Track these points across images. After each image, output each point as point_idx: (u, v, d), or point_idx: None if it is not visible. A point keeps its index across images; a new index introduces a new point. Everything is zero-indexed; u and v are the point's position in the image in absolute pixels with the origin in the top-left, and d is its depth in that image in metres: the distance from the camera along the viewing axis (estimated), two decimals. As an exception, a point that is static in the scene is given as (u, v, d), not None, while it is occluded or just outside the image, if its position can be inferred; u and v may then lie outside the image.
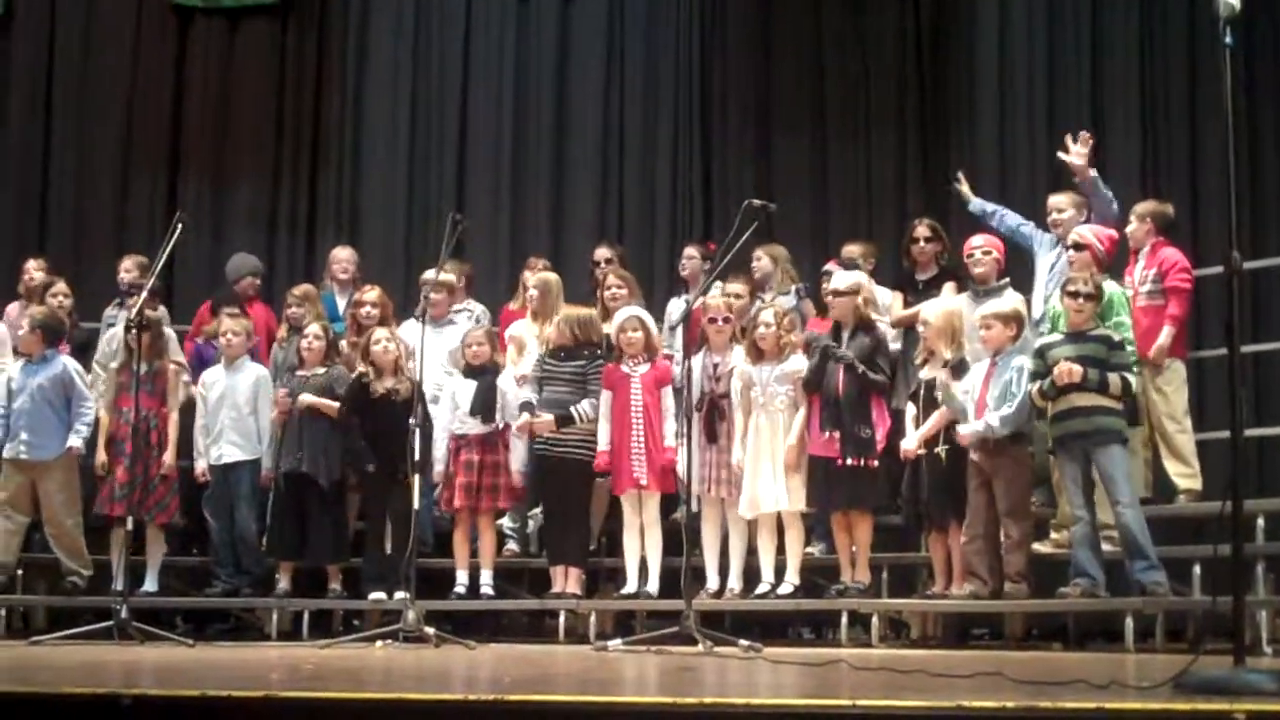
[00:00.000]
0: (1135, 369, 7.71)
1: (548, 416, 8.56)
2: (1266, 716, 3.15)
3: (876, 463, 8.02)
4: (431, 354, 8.91)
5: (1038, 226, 8.66)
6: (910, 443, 7.99)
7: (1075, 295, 7.54)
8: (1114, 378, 7.40)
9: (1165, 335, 8.02)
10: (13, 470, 9.02)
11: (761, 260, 9.25)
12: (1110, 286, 7.90)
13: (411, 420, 7.76)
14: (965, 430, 7.66)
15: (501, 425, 8.85)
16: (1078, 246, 8.04)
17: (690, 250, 9.81)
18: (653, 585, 8.51)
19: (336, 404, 8.94)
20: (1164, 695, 3.72)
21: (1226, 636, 4.22)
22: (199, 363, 9.72)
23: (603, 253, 10.02)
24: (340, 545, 9.12)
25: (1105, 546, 7.60)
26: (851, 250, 9.13)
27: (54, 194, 12.05)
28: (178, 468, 9.16)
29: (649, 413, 8.52)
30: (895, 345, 8.67)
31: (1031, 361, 7.68)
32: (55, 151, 12.10)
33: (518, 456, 8.85)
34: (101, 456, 9.07)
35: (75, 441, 8.98)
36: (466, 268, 10.14)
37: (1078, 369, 7.32)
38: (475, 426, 8.80)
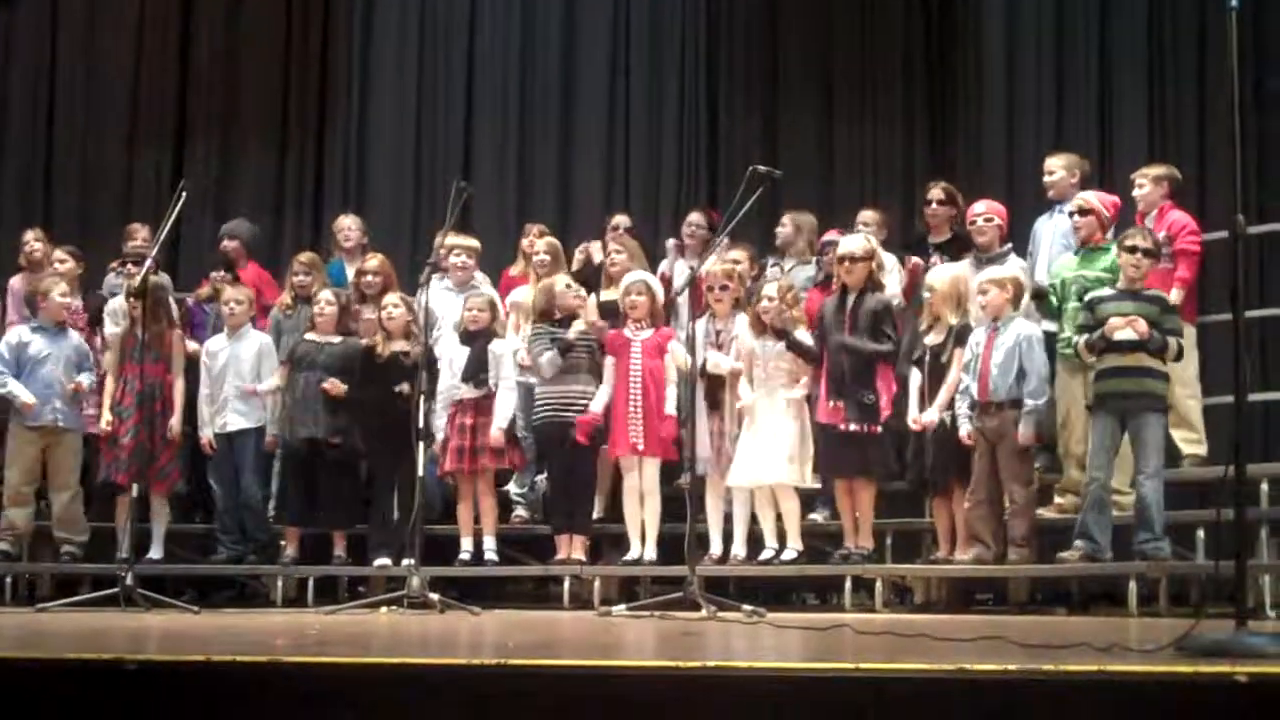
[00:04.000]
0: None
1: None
2: (1268, 679, 3.15)
3: (880, 429, 8.02)
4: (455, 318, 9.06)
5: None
6: (931, 415, 7.95)
7: (1134, 250, 7.43)
8: (1172, 342, 7.34)
9: (1174, 297, 7.99)
10: (26, 440, 9.05)
11: (786, 227, 9.24)
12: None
13: (415, 386, 7.82)
14: (1024, 430, 7.62)
15: (495, 389, 8.83)
16: (1083, 211, 8.03)
17: (698, 218, 9.77)
18: (650, 551, 8.53)
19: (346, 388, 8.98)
20: (1166, 658, 3.72)
21: (1229, 600, 4.22)
22: (191, 325, 9.76)
23: (622, 220, 10.01)
24: (354, 510, 9.14)
25: (1113, 513, 7.60)
26: (867, 217, 9.11)
27: (59, 165, 12.07)
28: (183, 434, 9.17)
29: (648, 378, 8.51)
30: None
31: (1080, 314, 7.62)
32: (60, 122, 12.11)
33: (503, 414, 8.79)
34: (107, 416, 9.07)
35: (85, 380, 9.07)
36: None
37: (1143, 324, 7.25)
38: (469, 390, 8.79)
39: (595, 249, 9.65)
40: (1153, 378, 7.37)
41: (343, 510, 9.09)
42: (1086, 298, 7.64)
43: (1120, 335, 7.29)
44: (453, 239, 9.11)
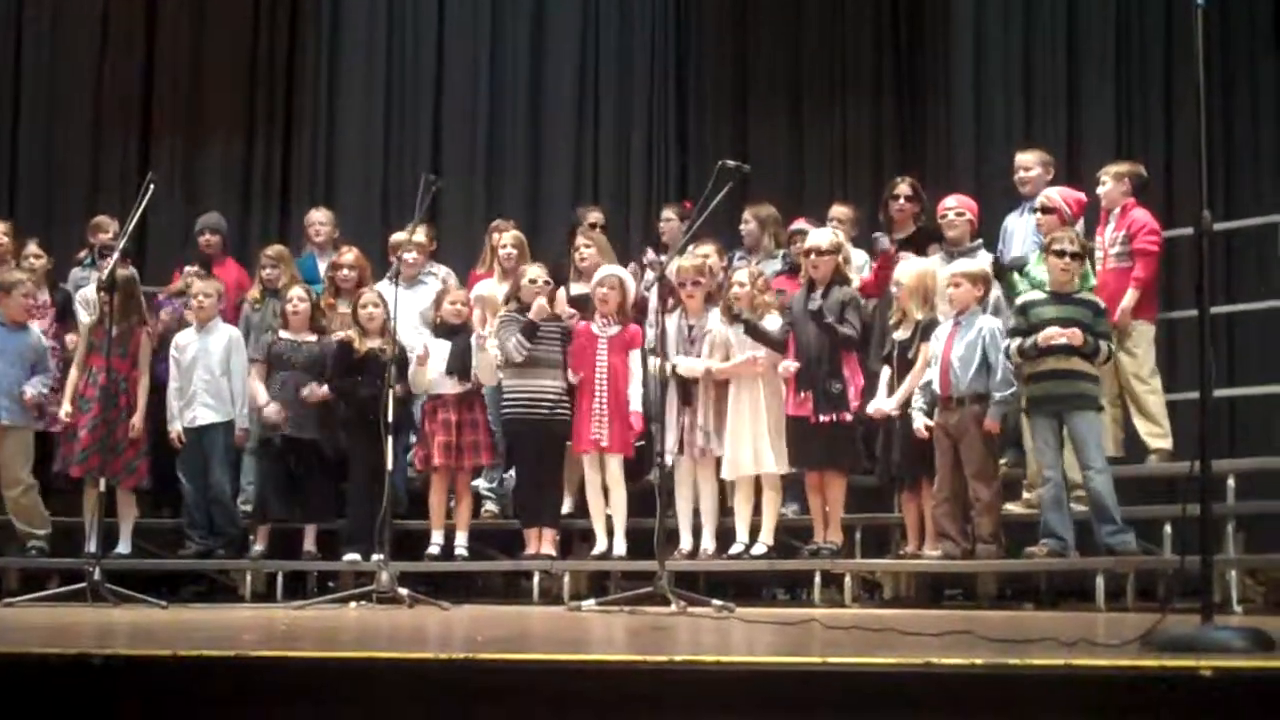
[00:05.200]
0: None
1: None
2: (1233, 673, 3.17)
3: (849, 417, 8.03)
4: (403, 315, 8.94)
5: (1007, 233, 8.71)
6: (887, 405, 8.00)
7: (1061, 254, 7.47)
8: (1103, 346, 7.41)
9: (1129, 298, 8.01)
10: None
11: (750, 224, 9.23)
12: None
13: (386, 380, 7.82)
14: (993, 417, 7.64)
15: (475, 385, 8.84)
16: (1046, 209, 8.05)
17: (668, 212, 9.78)
18: (619, 546, 8.53)
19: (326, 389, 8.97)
20: (1132, 652, 3.73)
21: (1196, 595, 4.24)
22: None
23: (598, 217, 9.99)
24: (332, 504, 9.13)
25: (1075, 507, 7.64)
26: (838, 212, 9.11)
27: (24, 155, 11.97)
28: (147, 431, 9.11)
29: (614, 374, 8.52)
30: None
31: (1011, 318, 7.67)
32: (25, 112, 12.01)
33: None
34: (67, 407, 8.99)
35: (30, 391, 8.92)
36: (433, 231, 10.11)
37: (1079, 334, 7.31)
38: (450, 386, 8.78)
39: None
40: (1085, 380, 7.47)
41: (327, 503, 9.08)
42: (1019, 301, 7.69)
43: (1057, 343, 7.36)
44: (400, 235, 9.10)
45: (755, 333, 8.18)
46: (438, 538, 8.83)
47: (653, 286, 7.97)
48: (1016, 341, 7.50)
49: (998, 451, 7.91)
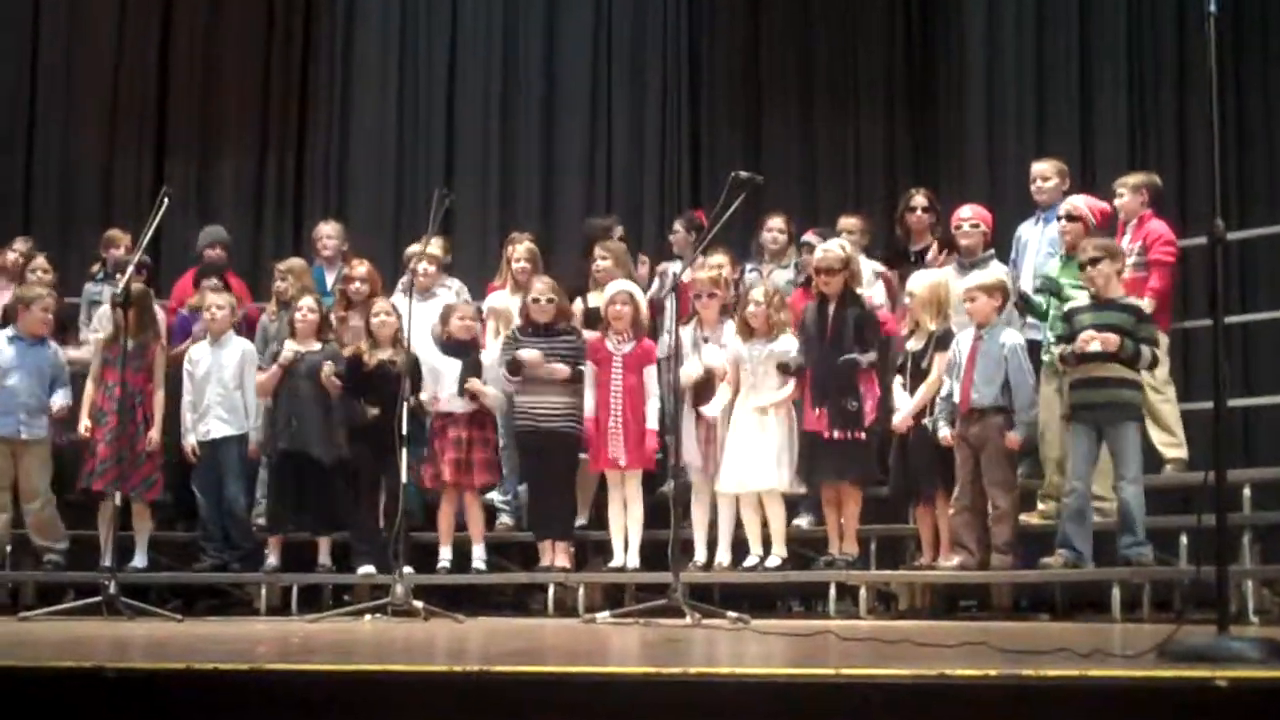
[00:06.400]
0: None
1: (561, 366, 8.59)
2: (1248, 684, 3.16)
3: (864, 435, 8.02)
4: (416, 328, 8.94)
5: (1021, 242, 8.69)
6: (901, 420, 7.98)
7: (1095, 262, 7.39)
8: (1146, 351, 7.35)
9: (1147, 307, 7.99)
10: None
11: (785, 233, 9.18)
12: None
13: (401, 393, 7.82)
14: (1015, 435, 7.66)
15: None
16: (1071, 217, 8.02)
17: (677, 224, 9.78)
18: (633, 559, 8.52)
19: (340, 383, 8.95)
20: (1147, 663, 3.72)
21: (1211, 606, 4.23)
22: (182, 334, 9.71)
23: (620, 230, 9.97)
24: (338, 514, 9.10)
25: (1094, 518, 7.62)
26: (847, 224, 9.09)
27: (38, 170, 12.00)
28: (164, 444, 9.13)
29: (629, 392, 8.49)
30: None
31: (1060, 325, 7.64)
32: (40, 126, 12.04)
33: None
34: (86, 422, 9.00)
35: (58, 402, 8.99)
36: (448, 244, 10.10)
37: (1113, 338, 7.26)
38: (461, 405, 8.78)
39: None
40: (1126, 387, 7.41)
41: (332, 512, 9.04)
42: (1065, 308, 7.66)
43: (1091, 349, 7.31)
44: (415, 247, 9.09)
45: (788, 371, 8.17)
46: (446, 553, 8.81)
47: (667, 295, 7.96)
48: (1060, 349, 7.49)
49: (1017, 462, 7.91)
